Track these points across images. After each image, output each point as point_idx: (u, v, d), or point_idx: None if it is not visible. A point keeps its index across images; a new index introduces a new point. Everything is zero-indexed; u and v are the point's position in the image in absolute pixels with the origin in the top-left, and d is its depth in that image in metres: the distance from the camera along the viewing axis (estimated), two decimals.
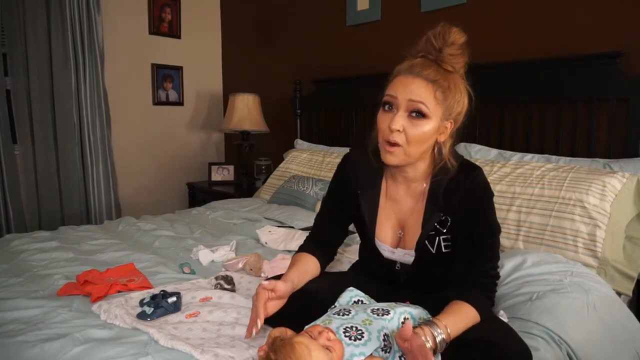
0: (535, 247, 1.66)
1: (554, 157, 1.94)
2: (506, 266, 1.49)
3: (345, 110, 2.87)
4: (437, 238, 1.17)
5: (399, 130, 1.09)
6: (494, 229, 1.15)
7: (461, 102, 1.12)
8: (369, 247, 1.28)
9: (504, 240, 1.74)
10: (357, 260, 1.44)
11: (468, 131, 2.32)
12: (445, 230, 1.16)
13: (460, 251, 1.16)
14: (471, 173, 1.13)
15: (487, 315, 1.08)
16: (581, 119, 1.97)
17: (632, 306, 1.59)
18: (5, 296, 1.36)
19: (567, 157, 1.92)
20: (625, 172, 1.70)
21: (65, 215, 3.15)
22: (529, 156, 1.99)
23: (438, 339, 0.94)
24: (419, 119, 1.09)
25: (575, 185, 1.68)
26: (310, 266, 1.27)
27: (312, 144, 3.04)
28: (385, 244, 1.24)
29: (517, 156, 2.02)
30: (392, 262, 1.25)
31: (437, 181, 1.16)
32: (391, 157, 1.13)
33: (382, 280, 1.28)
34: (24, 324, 1.18)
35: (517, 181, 1.82)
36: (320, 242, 1.34)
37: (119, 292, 1.39)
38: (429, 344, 0.91)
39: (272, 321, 1.12)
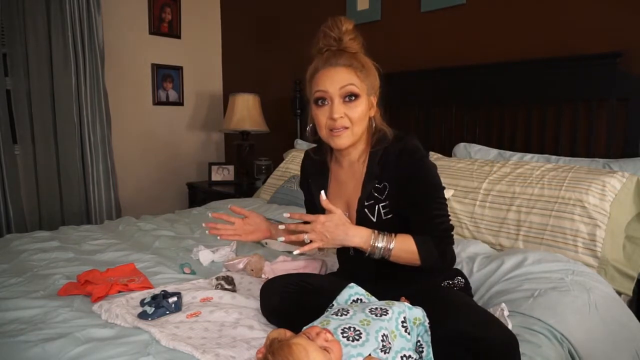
0: (535, 247, 1.66)
1: (553, 157, 1.94)
2: (507, 263, 1.50)
3: None
4: (377, 206, 1.22)
5: (341, 117, 1.18)
6: (434, 187, 1.20)
7: (376, 76, 1.24)
8: None
9: (503, 240, 1.74)
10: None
11: (468, 131, 2.32)
12: (383, 197, 1.21)
13: (409, 215, 1.20)
14: (401, 140, 1.21)
15: (429, 264, 1.15)
16: (581, 119, 1.97)
17: (632, 306, 1.60)
18: (5, 296, 1.36)
19: (567, 157, 1.92)
20: (624, 172, 1.70)
21: (65, 215, 3.15)
22: (528, 156, 1.99)
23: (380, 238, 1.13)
24: (353, 101, 1.19)
25: (575, 185, 1.68)
26: None
27: (312, 144, 3.03)
28: None
29: (516, 156, 2.02)
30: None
31: (374, 152, 1.24)
32: (340, 140, 1.21)
33: (357, 274, 1.26)
34: (25, 324, 1.18)
35: (517, 181, 1.82)
36: None
37: (119, 292, 1.39)
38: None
39: (276, 318, 1.20)
